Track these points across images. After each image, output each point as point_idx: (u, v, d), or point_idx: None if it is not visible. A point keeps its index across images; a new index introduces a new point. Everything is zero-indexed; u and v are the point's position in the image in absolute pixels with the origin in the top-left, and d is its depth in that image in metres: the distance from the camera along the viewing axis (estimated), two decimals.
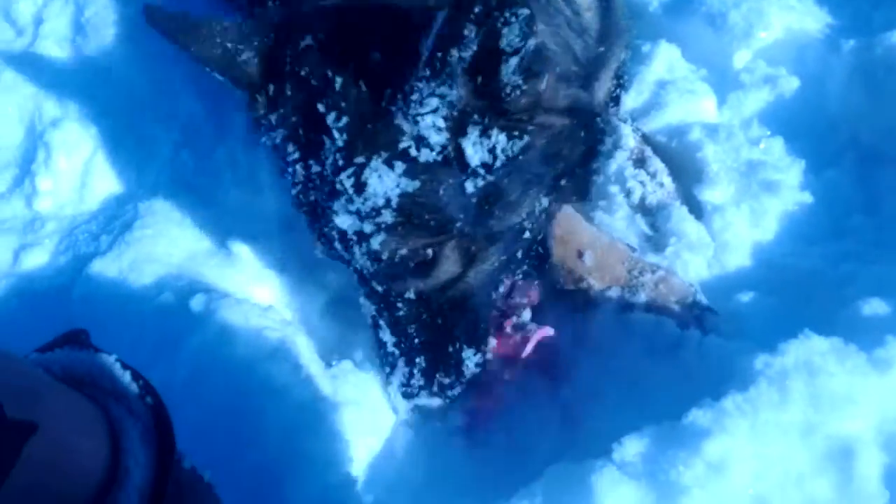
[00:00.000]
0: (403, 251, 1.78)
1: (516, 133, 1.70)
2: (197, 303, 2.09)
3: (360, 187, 1.68)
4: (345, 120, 1.66)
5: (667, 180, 2.37)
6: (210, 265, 2.23)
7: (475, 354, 2.00)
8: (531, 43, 1.56)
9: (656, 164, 2.39)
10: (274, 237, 2.35)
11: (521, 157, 1.74)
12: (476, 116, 1.66)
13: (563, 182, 2.00)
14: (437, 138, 1.65)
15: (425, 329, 1.96)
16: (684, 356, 1.92)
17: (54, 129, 2.64)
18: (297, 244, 2.28)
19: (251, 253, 2.32)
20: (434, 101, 1.60)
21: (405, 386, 2.02)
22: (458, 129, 1.66)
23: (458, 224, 1.77)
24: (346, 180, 1.69)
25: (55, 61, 2.86)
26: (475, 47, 1.50)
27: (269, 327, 2.06)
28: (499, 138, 1.69)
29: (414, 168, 1.66)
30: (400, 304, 1.93)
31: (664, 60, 2.66)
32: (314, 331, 2.24)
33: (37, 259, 2.40)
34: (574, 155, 1.95)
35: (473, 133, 1.67)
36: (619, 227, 2.29)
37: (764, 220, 2.26)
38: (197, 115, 2.64)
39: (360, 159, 1.67)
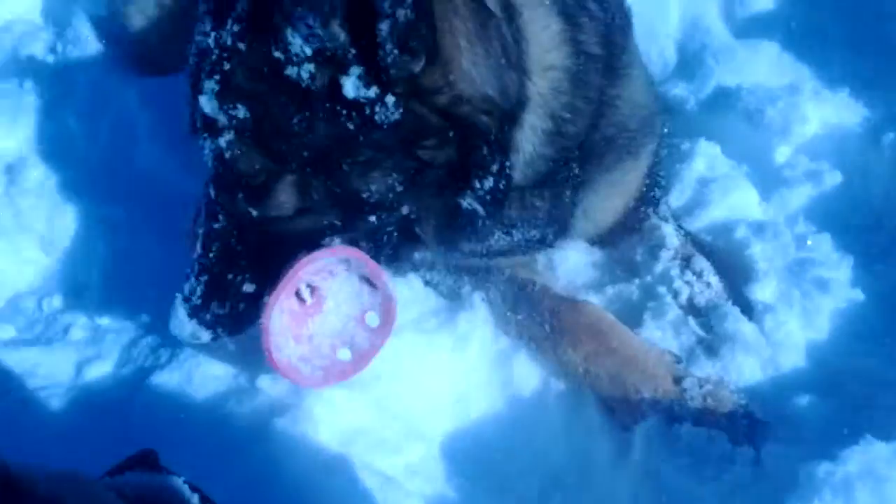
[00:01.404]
0: (242, 164, 1.83)
1: (391, 100, 1.74)
2: (258, 414, 2.13)
3: (228, 74, 1.76)
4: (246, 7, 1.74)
5: (713, 279, 2.39)
6: (268, 378, 2.27)
7: (253, 291, 2.01)
8: (401, 13, 1.60)
9: (702, 263, 2.42)
10: None
11: (382, 121, 1.75)
12: (356, 65, 1.69)
13: (424, 181, 1.92)
14: (306, 67, 1.70)
15: (226, 251, 1.99)
16: (737, 470, 1.91)
17: (110, 242, 2.74)
18: None
19: None
20: (303, 31, 1.66)
21: (186, 301, 2.04)
22: (335, 67, 1.70)
23: (301, 163, 1.80)
24: (224, 63, 1.76)
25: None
26: None
27: (329, 440, 2.08)
28: (370, 93, 1.72)
29: (278, 82, 1.73)
30: (220, 217, 1.98)
31: (704, 158, 2.71)
32: None
33: (98, 372, 2.47)
34: (439, 158, 1.86)
35: (354, 74, 1.70)
36: (668, 329, 2.29)
37: (817, 318, 2.27)
38: None
39: (241, 46, 1.74)
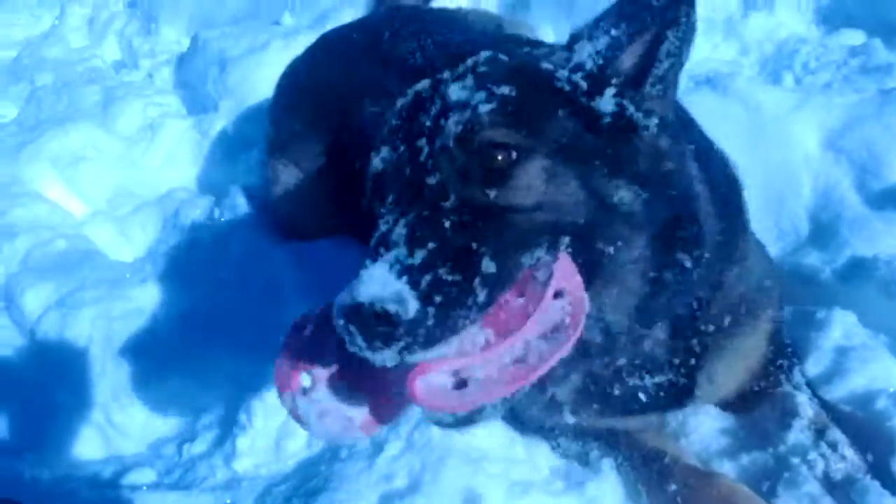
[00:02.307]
0: (496, 135, 1.73)
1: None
2: None
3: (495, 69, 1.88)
4: None
5: (849, 452, 2.34)
6: None
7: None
8: (685, 55, 1.87)
9: (836, 435, 2.37)
10: None
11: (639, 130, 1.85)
12: (618, 83, 1.85)
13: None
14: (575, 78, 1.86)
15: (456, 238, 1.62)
16: None
17: (257, 393, 2.89)
18: None
19: None
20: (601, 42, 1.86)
21: (398, 260, 1.56)
22: (599, 82, 1.85)
23: (555, 149, 1.77)
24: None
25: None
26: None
27: None
28: (631, 107, 1.85)
29: (553, 85, 1.86)
30: (451, 197, 1.72)
31: (841, 327, 2.71)
32: None
33: None
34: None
35: (609, 93, 1.83)
36: (805, 501, 2.24)
37: None
38: None
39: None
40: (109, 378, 3.24)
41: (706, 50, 4.63)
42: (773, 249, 3.10)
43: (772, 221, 3.24)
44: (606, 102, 1.84)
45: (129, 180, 4.84)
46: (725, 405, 2.60)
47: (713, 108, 3.34)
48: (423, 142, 1.80)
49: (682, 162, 1.97)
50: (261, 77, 4.86)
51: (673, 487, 2.30)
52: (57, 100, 5.69)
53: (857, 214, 3.13)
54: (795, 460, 2.33)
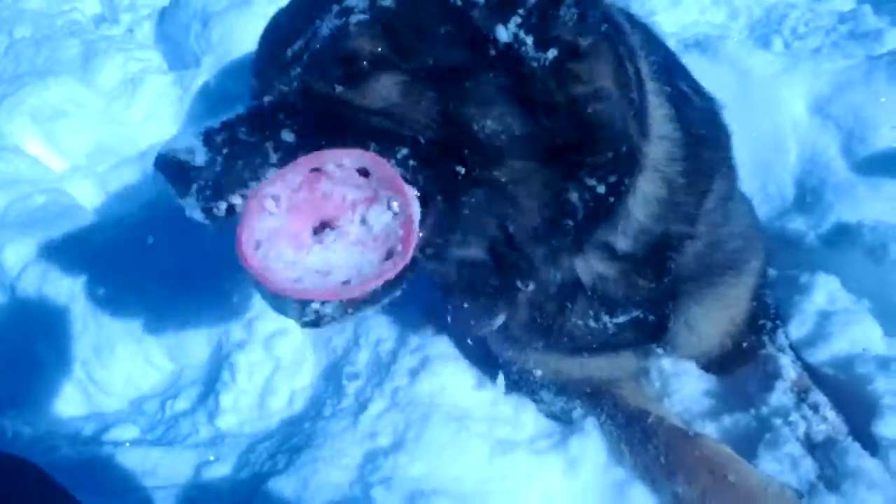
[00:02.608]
0: (362, 43, 1.77)
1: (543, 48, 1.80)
2: None
3: None
4: None
5: (830, 414, 2.37)
6: (381, 488, 2.33)
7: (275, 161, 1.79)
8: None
9: (818, 396, 2.40)
10: None
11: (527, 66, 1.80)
12: (524, 12, 1.79)
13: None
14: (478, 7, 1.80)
15: (284, 107, 1.86)
16: None
17: (240, 350, 2.89)
18: None
19: None
20: None
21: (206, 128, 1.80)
22: (500, 12, 1.80)
23: (421, 67, 1.78)
24: None
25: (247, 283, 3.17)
26: None
27: None
28: (528, 39, 1.79)
29: (445, 2, 1.81)
30: (294, 86, 1.88)
31: (824, 291, 2.73)
32: None
33: (217, 474, 2.59)
34: (557, 134, 1.85)
35: (513, 22, 1.78)
36: (786, 462, 2.26)
37: None
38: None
39: None
40: (91, 334, 3.22)
41: (694, 13, 4.62)
42: (761, 213, 3.11)
43: (758, 185, 3.25)
44: (502, 32, 1.80)
45: (110, 136, 4.79)
46: (708, 365, 2.62)
47: (702, 72, 3.29)
48: (303, 39, 1.89)
49: (602, 86, 1.90)
50: (244, 32, 4.81)
51: (656, 447, 2.32)
52: (36, 53, 5.58)
53: (842, 180, 3.15)
54: (777, 421, 2.36)
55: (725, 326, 2.51)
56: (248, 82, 3.98)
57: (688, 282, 2.31)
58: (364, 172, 1.71)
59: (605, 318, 2.30)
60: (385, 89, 1.78)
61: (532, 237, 1.98)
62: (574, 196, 1.92)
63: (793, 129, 3.31)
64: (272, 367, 2.87)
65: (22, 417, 3.09)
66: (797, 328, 2.64)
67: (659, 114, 2.08)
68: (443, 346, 2.75)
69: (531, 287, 2.12)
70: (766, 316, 2.60)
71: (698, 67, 3.33)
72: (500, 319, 2.30)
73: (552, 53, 1.81)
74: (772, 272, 2.81)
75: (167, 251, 3.47)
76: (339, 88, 1.80)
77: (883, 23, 4.11)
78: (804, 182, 3.21)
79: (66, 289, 3.37)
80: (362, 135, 1.78)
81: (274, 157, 1.75)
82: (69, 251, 3.54)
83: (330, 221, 1.73)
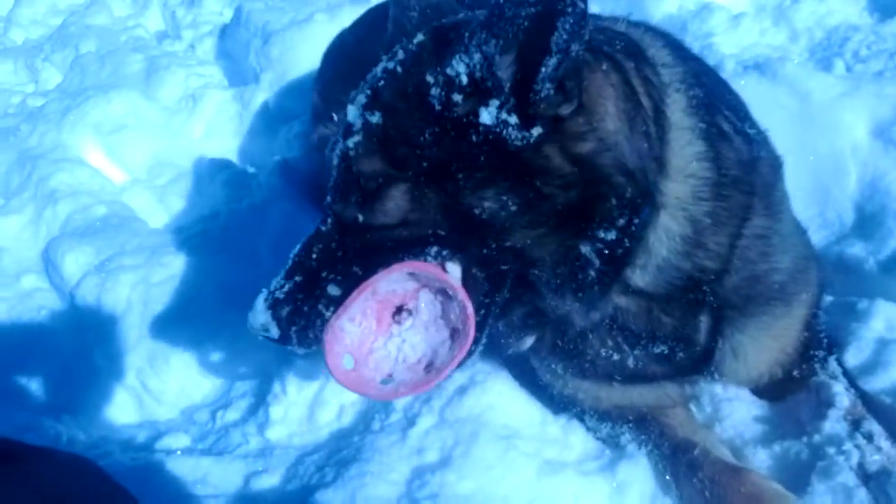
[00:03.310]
0: (363, 165, 1.96)
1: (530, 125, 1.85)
2: None
3: (378, 89, 1.99)
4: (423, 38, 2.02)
5: (885, 444, 2.33)
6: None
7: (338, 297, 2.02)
8: (574, 47, 1.72)
9: (872, 426, 2.37)
10: None
11: (513, 147, 1.86)
12: (496, 98, 1.84)
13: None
14: (453, 95, 1.87)
15: (326, 253, 2.07)
16: None
17: (290, 363, 2.93)
18: None
19: None
20: (474, 58, 1.83)
21: (270, 293, 2.10)
22: (479, 97, 1.85)
23: (419, 171, 1.90)
24: (380, 81, 2.00)
25: None
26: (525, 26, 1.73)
27: None
28: (510, 119, 1.84)
29: (419, 102, 1.91)
30: (329, 221, 2.09)
31: (883, 318, 2.68)
32: None
33: (266, 485, 2.63)
34: (559, 197, 1.90)
35: (493, 105, 1.84)
36: (840, 493, 2.22)
37: None
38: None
39: (399, 69, 1.98)
40: (146, 344, 3.30)
41: (755, 35, 4.58)
42: (818, 238, 3.08)
43: (817, 210, 3.22)
44: (486, 115, 1.85)
45: (170, 149, 4.92)
46: (760, 392, 2.60)
47: (762, 94, 3.31)
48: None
49: (607, 132, 1.92)
50: (303, 50, 4.90)
51: (701, 481, 2.30)
52: (100, 68, 5.76)
53: None
54: (830, 450, 2.32)
55: (774, 356, 2.48)
56: (309, 99, 4.08)
57: (728, 310, 2.29)
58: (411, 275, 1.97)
59: (627, 350, 2.32)
60: (395, 201, 1.94)
61: (555, 291, 2.05)
62: (587, 249, 1.97)
63: (853, 153, 3.27)
64: (322, 380, 2.91)
65: (77, 423, 3.17)
66: (854, 355, 2.60)
67: (689, 151, 2.06)
68: (491, 364, 2.76)
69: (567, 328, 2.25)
70: (818, 345, 2.56)
71: (757, 90, 3.35)
72: (529, 342, 2.34)
73: (537, 131, 1.86)
74: (828, 298, 2.78)
75: (222, 264, 3.54)
76: (360, 217, 1.99)
77: None
78: (864, 207, 3.17)
79: (123, 298, 3.46)
80: (395, 250, 1.96)
81: (328, 314, 2.02)
82: (127, 262, 3.63)
83: (401, 307, 2.01)
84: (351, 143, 1.98)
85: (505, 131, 1.85)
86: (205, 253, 3.64)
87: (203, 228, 3.91)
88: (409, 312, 2.00)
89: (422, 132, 1.90)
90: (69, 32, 6.56)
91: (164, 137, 4.97)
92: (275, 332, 2.07)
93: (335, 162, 2.06)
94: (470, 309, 1.91)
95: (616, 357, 2.34)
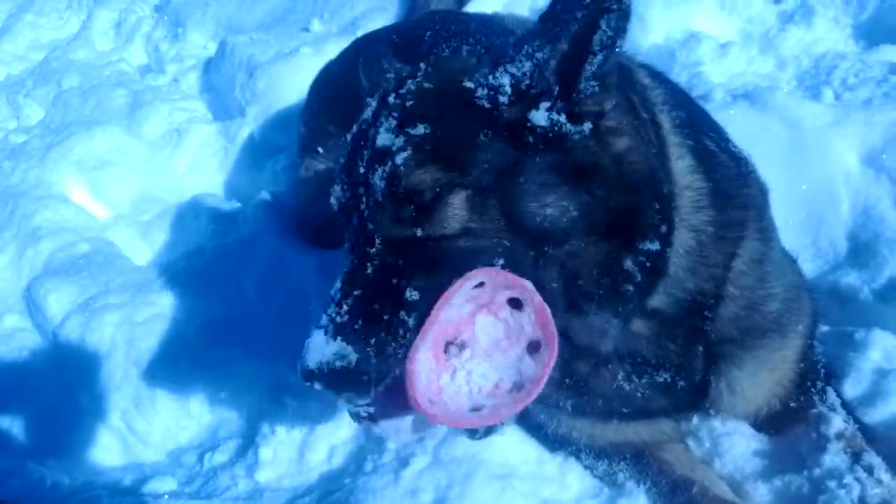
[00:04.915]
0: (416, 178, 1.84)
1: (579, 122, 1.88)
2: None
3: (409, 108, 1.94)
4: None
5: (885, 476, 2.31)
6: None
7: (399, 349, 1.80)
8: (619, 42, 1.78)
9: (872, 458, 2.35)
10: None
11: (571, 144, 1.88)
12: (550, 98, 1.87)
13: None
14: (501, 98, 1.88)
15: (383, 271, 1.86)
16: None
17: (280, 403, 2.90)
18: None
19: None
20: (521, 68, 1.87)
21: (323, 327, 1.82)
22: (528, 101, 1.87)
23: (479, 176, 1.85)
24: (407, 101, 1.95)
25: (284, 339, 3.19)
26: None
27: None
28: (562, 118, 1.87)
29: (465, 107, 1.91)
30: (376, 243, 1.89)
31: (880, 348, 2.69)
32: None
33: None
34: (611, 200, 1.91)
35: (543, 107, 1.86)
36: None
37: None
38: None
39: (427, 85, 1.98)
40: (131, 384, 3.26)
41: (742, 63, 4.60)
42: (811, 268, 3.08)
43: (810, 239, 3.22)
44: (538, 117, 1.87)
45: (154, 185, 4.89)
46: (759, 425, 2.57)
47: (752, 123, 3.33)
48: (361, 190, 1.96)
49: (637, 143, 1.97)
50: (289, 84, 4.89)
51: None
52: (83, 103, 5.74)
53: None
54: (831, 484, 2.30)
55: (772, 388, 2.47)
56: (295, 132, 4.07)
57: (725, 344, 2.29)
58: (479, 284, 1.82)
59: (635, 380, 2.30)
60: (455, 209, 1.85)
61: (598, 304, 2.03)
62: (629, 263, 1.98)
63: (845, 181, 3.28)
64: (312, 419, 2.87)
65: (61, 467, 3.13)
66: (853, 386, 2.59)
67: (681, 165, 2.10)
68: None
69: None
70: (815, 376, 2.55)
71: (747, 119, 3.35)
72: None
73: (587, 126, 1.89)
74: (825, 328, 2.77)
75: (208, 301, 3.51)
76: (418, 231, 1.86)
77: None
78: (857, 236, 3.17)
79: (108, 338, 3.42)
80: (457, 263, 1.83)
81: (411, 320, 1.80)
82: (111, 300, 3.59)
83: (450, 342, 1.82)
84: (399, 160, 1.86)
85: (561, 129, 1.87)
86: (190, 290, 3.61)
87: (188, 265, 3.88)
88: (461, 346, 1.82)
89: (476, 133, 1.88)
90: (51, 68, 6.55)
91: (148, 173, 4.94)
92: (352, 357, 1.77)
93: (378, 185, 1.90)
94: (548, 311, 1.81)
95: (626, 387, 2.31)
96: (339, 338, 1.78)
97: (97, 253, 4.16)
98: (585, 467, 2.58)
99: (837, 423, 2.43)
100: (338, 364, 1.76)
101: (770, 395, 2.48)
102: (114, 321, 3.47)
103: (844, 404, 2.54)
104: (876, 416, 2.49)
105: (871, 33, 4.66)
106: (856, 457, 2.35)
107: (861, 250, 3.12)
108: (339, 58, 3.98)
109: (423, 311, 1.78)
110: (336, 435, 2.84)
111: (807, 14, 4.75)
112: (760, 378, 2.41)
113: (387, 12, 5.40)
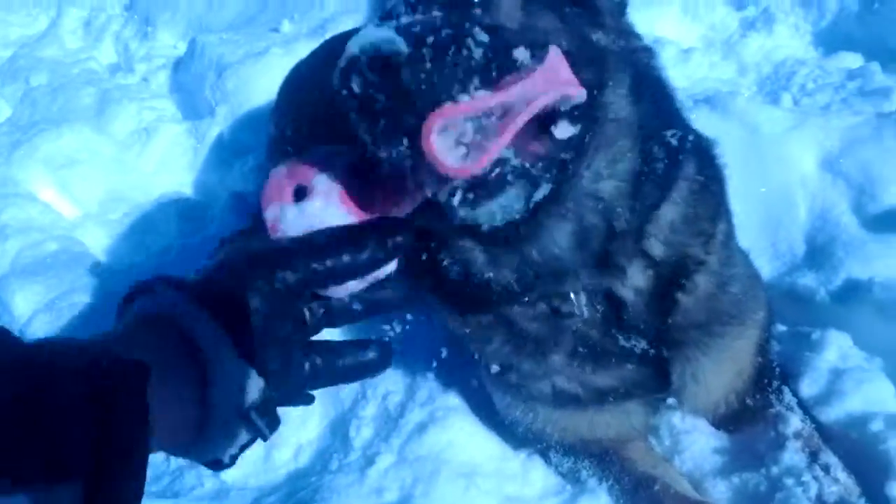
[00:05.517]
0: None
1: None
2: None
3: None
4: None
5: (842, 475, 2.34)
6: None
7: None
8: None
9: (829, 457, 2.38)
10: None
11: None
12: None
13: None
14: None
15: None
16: None
17: None
18: None
19: None
20: None
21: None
22: None
23: None
24: None
25: None
26: None
27: None
28: None
29: None
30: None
31: (836, 348, 2.70)
32: None
33: None
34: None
35: None
36: None
37: None
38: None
39: None
40: None
41: (704, 69, 4.66)
42: (769, 269, 3.12)
43: (768, 242, 3.25)
44: None
45: (122, 184, 4.85)
46: (717, 423, 2.60)
47: (713, 127, 3.32)
48: None
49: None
50: (259, 84, 4.88)
51: None
52: (51, 101, 5.68)
53: (853, 237, 3.14)
54: (789, 482, 2.33)
55: (732, 381, 2.48)
56: (266, 131, 4.05)
57: (692, 330, 2.27)
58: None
59: (609, 345, 2.19)
60: (508, 7, 1.61)
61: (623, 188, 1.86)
62: (656, 147, 1.88)
63: (802, 185, 3.32)
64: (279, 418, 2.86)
65: None
66: (809, 386, 2.61)
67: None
68: (452, 399, 2.74)
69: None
70: (771, 373, 2.57)
71: (708, 123, 3.37)
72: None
73: None
74: (781, 328, 2.81)
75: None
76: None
77: (892, 81, 4.12)
78: (814, 239, 3.21)
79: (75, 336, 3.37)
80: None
81: (478, 53, 1.38)
82: (79, 299, 3.56)
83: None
84: None
85: None
86: None
87: (157, 264, 3.85)
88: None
89: None
90: (19, 65, 6.46)
91: (116, 172, 4.90)
92: (403, 45, 1.32)
93: None
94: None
95: (598, 347, 2.19)
96: (392, 26, 1.38)
97: (64, 252, 4.11)
98: (551, 465, 2.59)
99: (795, 422, 2.46)
100: (385, 47, 1.33)
101: (730, 388, 2.50)
102: (81, 320, 3.43)
103: (801, 403, 2.57)
104: (832, 415, 2.51)
105: (830, 40, 4.74)
106: (813, 455, 2.38)
107: (818, 253, 3.16)
108: (308, 58, 3.97)
109: (489, 50, 1.38)
110: (302, 433, 2.83)
111: (768, 21, 4.83)
112: (724, 367, 2.41)
113: (357, 14, 5.39)
